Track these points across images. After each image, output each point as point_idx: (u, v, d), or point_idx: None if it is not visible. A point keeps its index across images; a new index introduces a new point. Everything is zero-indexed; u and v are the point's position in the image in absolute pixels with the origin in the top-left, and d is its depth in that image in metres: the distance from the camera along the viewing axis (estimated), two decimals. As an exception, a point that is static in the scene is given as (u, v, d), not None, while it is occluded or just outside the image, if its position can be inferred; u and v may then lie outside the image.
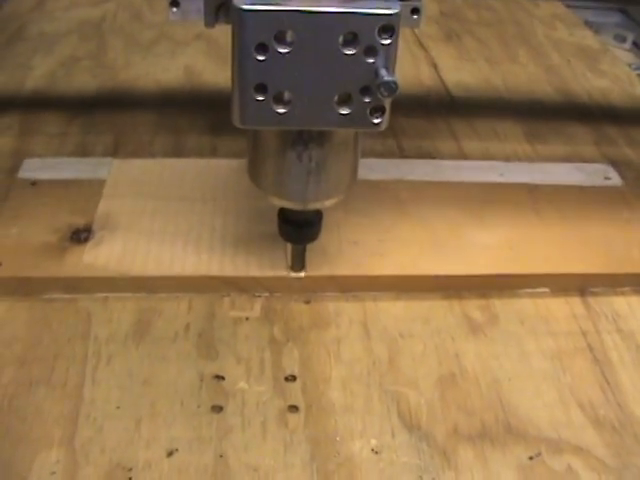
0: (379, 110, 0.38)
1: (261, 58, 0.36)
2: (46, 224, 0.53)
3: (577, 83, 0.80)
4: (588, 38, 0.92)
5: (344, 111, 0.38)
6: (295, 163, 0.41)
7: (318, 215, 0.46)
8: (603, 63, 0.86)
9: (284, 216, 0.46)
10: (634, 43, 0.92)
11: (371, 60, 0.36)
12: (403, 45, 0.85)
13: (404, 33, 0.87)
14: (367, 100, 0.38)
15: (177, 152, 0.63)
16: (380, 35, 0.36)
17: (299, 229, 0.46)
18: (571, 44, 0.90)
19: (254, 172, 0.44)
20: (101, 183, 0.57)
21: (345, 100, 0.38)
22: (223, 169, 0.59)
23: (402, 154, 0.65)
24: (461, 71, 0.81)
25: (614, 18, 0.96)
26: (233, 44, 0.37)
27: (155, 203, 0.55)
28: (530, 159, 0.65)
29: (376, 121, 0.38)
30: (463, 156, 0.65)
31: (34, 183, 0.57)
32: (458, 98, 0.75)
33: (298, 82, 0.37)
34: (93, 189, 0.56)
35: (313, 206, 0.44)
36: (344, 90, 0.37)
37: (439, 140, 0.67)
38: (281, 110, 0.38)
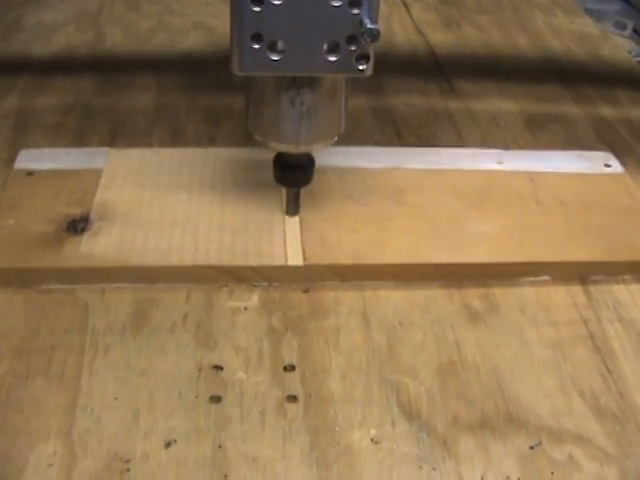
0: (364, 57, 0.42)
1: (257, 9, 0.40)
2: (43, 215, 0.52)
3: (577, 70, 0.79)
4: (588, 25, 0.91)
5: (332, 58, 0.42)
6: (288, 108, 0.45)
7: (310, 159, 0.50)
8: (604, 50, 0.85)
9: (279, 161, 0.49)
10: (634, 30, 0.91)
11: (356, 11, 0.40)
12: (402, 33, 0.84)
13: (403, 21, 0.87)
14: (353, 48, 0.41)
15: (175, 142, 0.63)
16: None
17: (293, 172, 0.50)
18: (571, 31, 0.89)
19: (253, 121, 0.47)
20: (98, 173, 0.56)
21: (333, 48, 0.41)
22: (221, 158, 0.58)
23: (401, 142, 0.64)
24: (460, 59, 0.80)
25: (614, 5, 0.95)
26: None
27: (153, 193, 0.55)
28: (530, 146, 0.65)
29: (361, 67, 0.42)
30: (462, 144, 0.65)
31: (31, 173, 0.56)
32: (458, 87, 0.75)
33: (291, 31, 0.41)
34: (90, 179, 0.56)
35: (306, 149, 0.48)
36: (332, 39, 0.41)
37: (438, 128, 0.67)
38: (275, 57, 0.41)
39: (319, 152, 0.49)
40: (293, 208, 0.52)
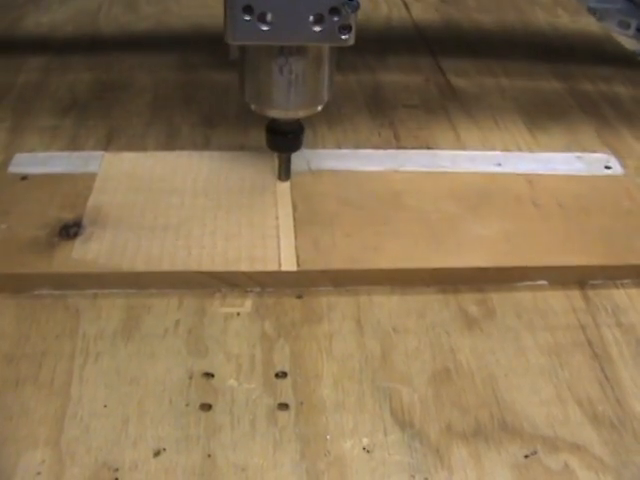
0: (346, 28, 0.45)
1: None
2: (36, 219, 0.52)
3: (579, 71, 0.79)
4: (591, 25, 0.90)
5: (317, 29, 0.45)
6: (278, 76, 0.48)
7: (300, 126, 0.53)
8: (606, 50, 0.84)
9: (271, 128, 0.53)
10: (638, 29, 0.90)
11: None
12: (400, 32, 0.84)
13: (402, 20, 0.86)
14: (336, 19, 0.45)
15: (170, 144, 0.63)
16: None
17: (284, 137, 0.53)
18: (574, 31, 0.88)
19: (246, 90, 0.51)
20: (92, 177, 0.56)
21: (318, 19, 0.45)
22: (216, 161, 0.58)
23: (399, 144, 0.64)
24: (461, 60, 0.79)
25: (617, 4, 0.94)
26: None
27: (146, 197, 0.54)
28: (530, 149, 0.64)
29: (344, 37, 0.46)
30: (461, 146, 0.64)
31: (24, 178, 0.56)
32: (457, 87, 0.74)
33: (279, 4, 0.44)
34: (84, 183, 0.55)
35: (295, 114, 0.51)
36: (317, 11, 0.45)
37: (437, 130, 0.66)
38: (265, 28, 0.45)
39: (306, 118, 0.53)
40: (285, 173, 0.56)
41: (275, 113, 0.51)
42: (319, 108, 0.52)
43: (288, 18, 0.45)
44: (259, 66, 0.49)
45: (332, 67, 0.50)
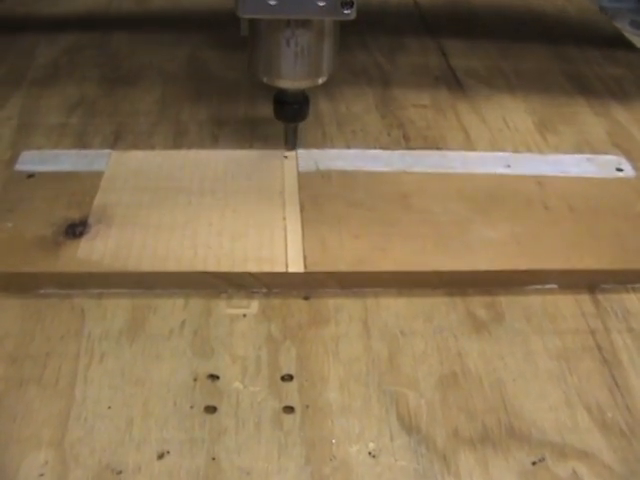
0: (348, 3, 0.49)
1: None
2: (41, 218, 0.52)
3: (590, 71, 0.78)
4: (603, 24, 0.89)
5: (321, 4, 0.48)
6: (285, 48, 0.51)
7: (305, 97, 0.57)
8: (618, 50, 0.83)
9: (278, 99, 0.56)
10: (650, 29, 0.89)
11: None
12: (410, 33, 0.83)
13: (412, 19, 0.86)
14: None
15: (178, 143, 0.62)
16: None
17: (291, 107, 0.56)
18: (585, 30, 0.87)
19: (254, 64, 0.54)
20: (99, 175, 0.56)
21: None
22: (223, 160, 0.58)
23: (408, 145, 0.63)
24: (470, 59, 0.79)
25: (629, 4, 0.93)
26: None
27: (152, 196, 0.54)
28: (540, 150, 0.63)
29: (346, 12, 0.49)
30: (471, 147, 0.63)
31: (31, 176, 0.56)
32: (467, 87, 0.73)
33: None
34: (91, 182, 0.55)
35: (301, 84, 0.54)
36: None
37: (447, 130, 0.66)
38: (272, 2, 0.48)
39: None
40: (291, 142, 0.59)
41: (281, 83, 0.54)
42: (322, 80, 0.54)
43: None
44: (267, 39, 0.52)
45: (336, 41, 0.53)
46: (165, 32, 0.82)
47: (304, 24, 0.51)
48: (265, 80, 0.54)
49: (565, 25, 0.88)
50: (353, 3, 0.49)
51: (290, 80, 0.53)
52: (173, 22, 0.84)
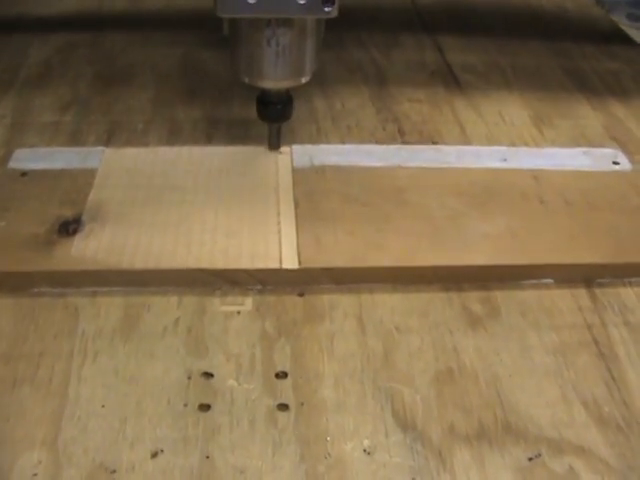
0: (330, 1, 0.47)
1: None
2: (35, 216, 0.51)
3: (587, 65, 0.77)
4: (600, 18, 0.89)
5: (302, 2, 0.47)
6: (265, 47, 0.50)
7: (289, 97, 0.55)
8: (615, 43, 0.83)
9: (261, 99, 0.55)
10: (648, 22, 0.89)
11: None
12: (406, 29, 0.83)
13: (407, 14, 0.85)
14: None
15: (172, 140, 0.62)
16: None
17: (273, 108, 0.55)
18: (582, 24, 0.87)
19: (235, 64, 0.53)
20: (93, 173, 0.56)
21: None
22: (217, 158, 0.57)
23: (403, 139, 0.63)
24: (467, 54, 0.78)
25: (627, -4, 0.93)
26: None
27: (146, 193, 0.53)
28: (537, 144, 0.63)
29: (327, 9, 0.47)
30: (467, 141, 0.63)
31: (24, 174, 0.56)
32: (463, 81, 0.73)
33: None
34: (84, 179, 0.55)
35: (283, 84, 0.53)
36: None
37: (442, 125, 0.65)
38: (252, 1, 0.46)
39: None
40: (274, 143, 0.58)
41: (264, 83, 0.53)
42: (305, 79, 0.53)
43: None
44: (247, 38, 0.51)
45: (318, 40, 0.52)
46: (159, 31, 0.81)
47: (285, 23, 0.49)
48: (246, 80, 0.53)
49: (562, 19, 0.88)
50: (334, 1, 0.47)
51: (272, 80, 0.52)
52: (167, 21, 0.83)
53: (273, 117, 0.56)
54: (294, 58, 0.51)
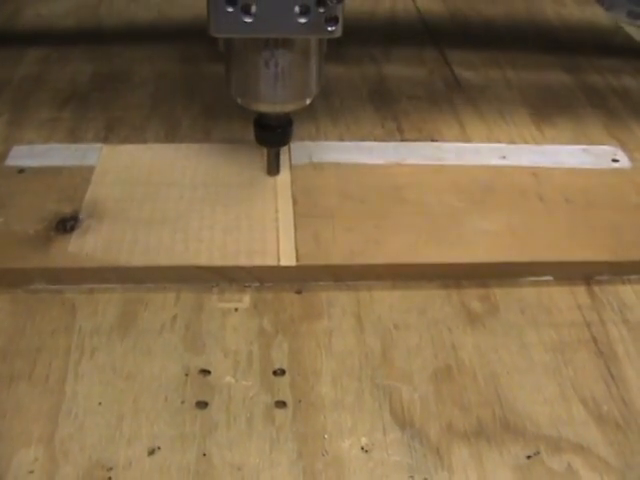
0: (333, 19, 0.44)
1: None
2: (32, 213, 0.51)
3: (587, 63, 0.77)
4: (599, 15, 0.89)
5: (303, 20, 0.44)
6: (264, 69, 0.47)
7: (288, 120, 0.52)
8: (615, 41, 0.83)
9: (259, 122, 0.52)
10: (648, 20, 0.88)
11: None
12: (406, 25, 0.82)
13: (408, 12, 0.85)
14: (322, 10, 0.43)
15: (170, 137, 0.62)
16: None
17: (272, 133, 0.52)
18: (581, 21, 0.86)
19: (232, 84, 0.50)
20: (91, 170, 0.55)
21: (304, 11, 0.43)
22: (215, 154, 0.57)
23: (402, 137, 0.63)
24: (467, 51, 0.78)
25: (627, -6, 0.93)
26: None
27: (144, 190, 0.53)
28: (537, 142, 0.63)
29: (330, 29, 0.44)
30: (466, 139, 0.63)
31: (22, 171, 0.55)
32: (463, 79, 0.73)
33: None
34: (82, 176, 0.55)
35: (282, 108, 0.50)
36: (302, 1, 0.43)
37: (442, 122, 0.65)
38: (248, 20, 0.43)
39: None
40: (273, 168, 0.54)
41: (262, 107, 0.50)
42: (307, 102, 0.50)
43: (273, 10, 0.43)
44: (244, 59, 0.47)
45: (320, 59, 0.49)
46: (158, 27, 0.81)
47: (284, 43, 0.46)
48: (243, 103, 0.50)
49: (562, 17, 0.88)
50: (338, 19, 0.44)
51: (271, 104, 0.49)
52: (166, 17, 0.83)
53: (272, 142, 0.53)
54: (294, 80, 0.48)
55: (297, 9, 0.43)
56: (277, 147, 0.54)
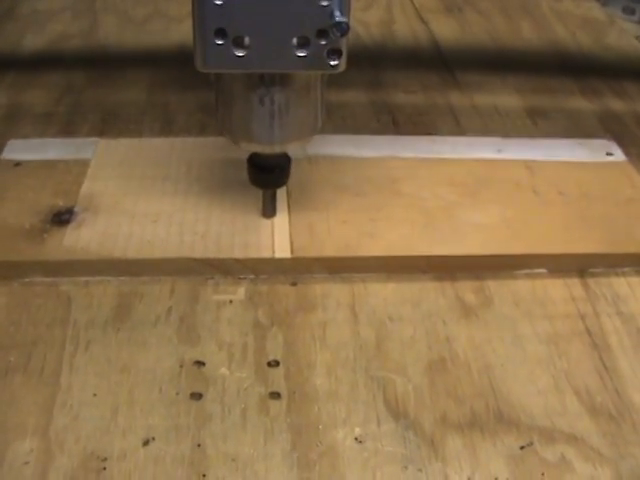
0: (336, 52, 0.39)
1: (219, 2, 0.38)
2: (28, 206, 0.51)
3: (582, 56, 0.77)
4: (595, 10, 0.89)
5: (302, 54, 0.39)
6: (258, 107, 0.43)
7: (285, 159, 0.47)
8: (610, 36, 0.83)
9: (253, 162, 0.47)
10: (643, 15, 0.89)
11: (325, 3, 0.38)
12: (402, 19, 0.82)
13: (403, 6, 0.85)
14: (323, 43, 0.39)
15: (166, 131, 0.62)
16: None
17: (268, 173, 0.47)
18: (577, 16, 0.87)
19: (222, 121, 0.45)
20: (86, 164, 0.56)
21: (303, 43, 0.39)
22: (210, 148, 0.57)
23: (397, 130, 0.63)
24: (462, 45, 0.78)
25: (622, -11, 0.93)
26: None
27: (139, 183, 0.53)
28: (532, 135, 0.63)
29: (333, 63, 0.40)
30: (461, 132, 0.63)
31: (18, 164, 0.55)
32: (458, 73, 0.73)
33: (256, 26, 0.38)
34: (78, 170, 0.55)
35: (280, 148, 0.45)
36: (301, 33, 0.39)
37: (437, 116, 0.65)
38: (241, 53, 0.39)
39: (295, 151, 0.48)
40: (270, 210, 0.50)
41: (257, 148, 0.46)
42: (308, 140, 0.46)
43: (268, 42, 0.39)
44: (236, 95, 0.43)
45: (322, 91, 0.45)
46: (153, 21, 0.81)
47: (281, 78, 0.42)
48: (235, 143, 0.46)
49: (557, 12, 0.88)
50: (342, 52, 0.39)
51: (266, 145, 0.45)
52: (162, 12, 0.83)
53: (268, 184, 0.49)
54: (293, 118, 0.43)
55: (295, 41, 0.39)
56: (274, 188, 0.49)
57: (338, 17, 0.37)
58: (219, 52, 0.39)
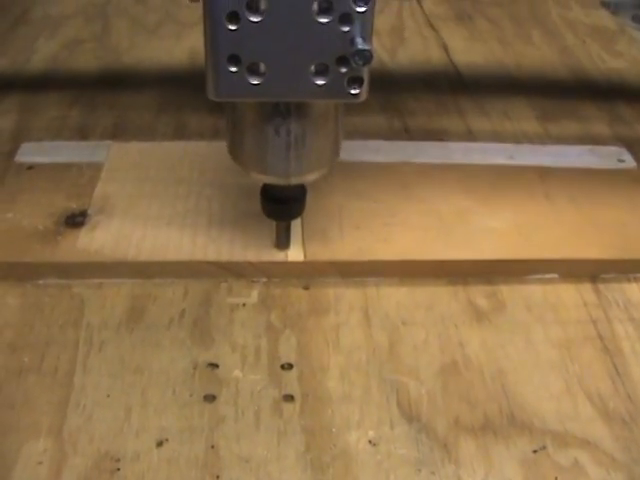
0: (357, 81, 0.37)
1: (233, 28, 0.35)
2: (42, 208, 0.51)
3: (592, 64, 0.78)
4: (604, 18, 0.89)
5: (320, 82, 0.37)
6: (274, 137, 0.40)
7: (301, 190, 0.45)
8: (620, 44, 0.83)
9: (266, 193, 0.45)
10: (653, 23, 0.89)
11: (346, 28, 0.35)
12: (412, 26, 0.83)
13: (414, 13, 0.85)
14: (344, 70, 0.37)
15: (178, 134, 0.62)
16: (355, 2, 0.35)
17: (282, 205, 0.45)
18: (586, 25, 0.87)
19: (234, 149, 0.43)
20: (99, 167, 0.56)
21: (321, 71, 0.37)
22: (223, 151, 0.57)
23: (409, 136, 0.63)
24: (472, 52, 0.78)
25: (632, -2, 0.93)
26: (204, 13, 0.36)
27: (153, 186, 0.54)
28: (542, 141, 0.63)
29: (354, 92, 0.37)
30: (472, 138, 0.63)
31: (31, 167, 0.56)
32: (468, 79, 0.73)
33: (272, 52, 0.36)
34: (91, 173, 0.55)
35: (296, 181, 0.43)
36: (320, 60, 0.37)
37: (448, 122, 0.65)
38: (256, 81, 0.37)
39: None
40: (283, 242, 0.48)
41: (272, 180, 0.43)
42: (325, 171, 0.44)
43: (284, 69, 0.37)
44: (250, 124, 0.41)
45: (342, 119, 0.43)
46: (165, 26, 0.82)
47: (298, 108, 0.39)
48: (248, 174, 0.43)
49: (567, 20, 0.88)
50: (363, 80, 0.37)
51: (283, 177, 0.42)
52: (173, 16, 0.84)
53: (282, 216, 0.47)
54: (309, 149, 0.41)
55: (313, 68, 0.37)
56: (288, 220, 0.47)
57: (360, 44, 0.35)
58: (233, 80, 0.37)
